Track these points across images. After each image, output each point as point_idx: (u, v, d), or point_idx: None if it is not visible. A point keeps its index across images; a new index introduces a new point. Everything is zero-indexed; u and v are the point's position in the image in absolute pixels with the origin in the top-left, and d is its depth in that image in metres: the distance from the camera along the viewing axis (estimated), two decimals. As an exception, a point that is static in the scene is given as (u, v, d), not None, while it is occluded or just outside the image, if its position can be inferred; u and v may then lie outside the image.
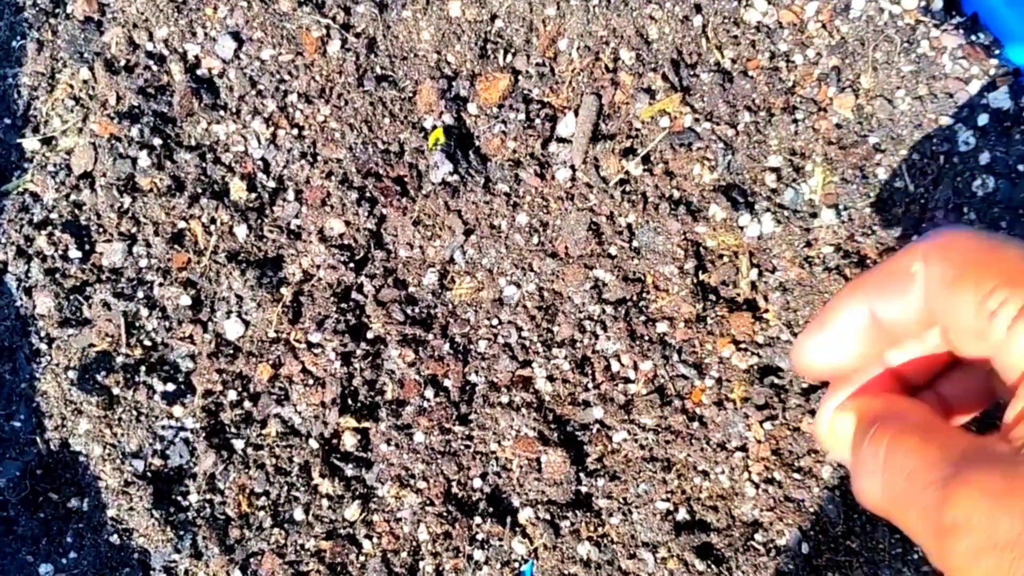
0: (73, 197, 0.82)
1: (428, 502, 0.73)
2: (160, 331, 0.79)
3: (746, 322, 0.74)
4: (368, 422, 0.76)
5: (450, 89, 0.82)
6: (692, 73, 0.80)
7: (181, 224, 0.81)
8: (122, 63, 0.85)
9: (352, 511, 0.74)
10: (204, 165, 0.83)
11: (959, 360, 0.38)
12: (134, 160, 0.82)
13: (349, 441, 0.76)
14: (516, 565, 0.72)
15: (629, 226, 0.78)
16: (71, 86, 0.85)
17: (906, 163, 0.74)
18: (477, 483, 0.74)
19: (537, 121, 0.80)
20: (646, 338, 0.75)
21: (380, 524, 0.74)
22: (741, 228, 0.76)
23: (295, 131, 0.83)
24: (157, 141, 0.83)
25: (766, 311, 0.74)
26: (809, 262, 0.74)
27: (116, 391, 0.77)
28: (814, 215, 0.75)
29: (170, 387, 0.77)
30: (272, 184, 0.83)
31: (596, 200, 0.78)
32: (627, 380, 0.75)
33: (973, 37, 0.76)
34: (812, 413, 0.70)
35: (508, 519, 0.73)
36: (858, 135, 0.76)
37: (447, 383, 0.76)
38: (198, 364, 0.78)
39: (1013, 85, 0.73)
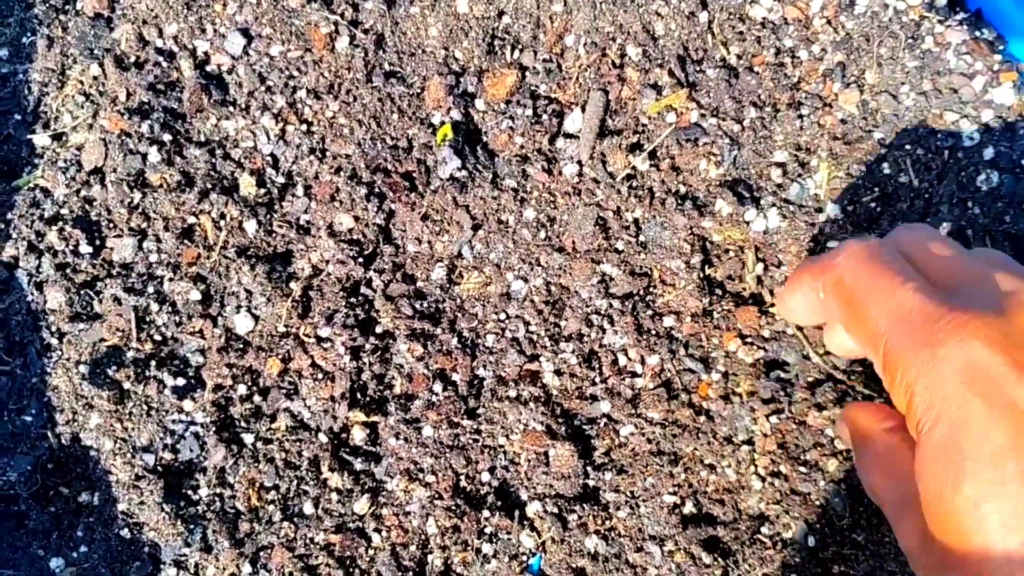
0: (83, 193, 0.83)
1: (437, 496, 0.74)
2: (170, 326, 0.79)
3: (752, 316, 0.74)
4: (377, 416, 0.76)
5: (458, 85, 0.82)
6: (698, 69, 0.80)
7: (191, 219, 0.82)
8: (132, 59, 0.86)
9: (361, 505, 0.74)
10: (214, 161, 0.83)
11: None
12: (144, 156, 0.82)
13: (358, 435, 0.76)
14: (524, 558, 0.72)
15: (636, 221, 0.78)
16: (81, 82, 0.86)
17: (910, 158, 0.74)
18: (485, 477, 0.74)
19: (544, 117, 0.81)
20: (653, 332, 0.75)
21: (389, 518, 0.74)
22: (747, 223, 0.76)
23: (304, 127, 0.83)
24: (167, 137, 0.83)
25: (772, 305, 0.75)
26: (815, 256, 0.74)
27: (127, 385, 0.78)
28: (819, 210, 0.76)
29: (180, 381, 0.78)
30: (281, 179, 0.83)
31: (603, 195, 0.79)
32: (634, 374, 0.75)
33: (977, 33, 0.77)
34: (818, 407, 0.71)
35: (516, 513, 0.73)
36: (863, 130, 0.76)
37: (455, 377, 0.77)
38: (208, 359, 0.78)
39: (1017, 80, 0.74)
